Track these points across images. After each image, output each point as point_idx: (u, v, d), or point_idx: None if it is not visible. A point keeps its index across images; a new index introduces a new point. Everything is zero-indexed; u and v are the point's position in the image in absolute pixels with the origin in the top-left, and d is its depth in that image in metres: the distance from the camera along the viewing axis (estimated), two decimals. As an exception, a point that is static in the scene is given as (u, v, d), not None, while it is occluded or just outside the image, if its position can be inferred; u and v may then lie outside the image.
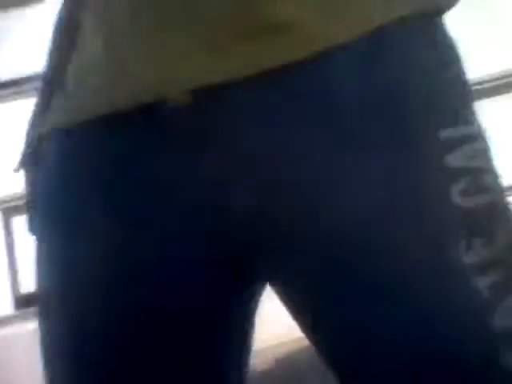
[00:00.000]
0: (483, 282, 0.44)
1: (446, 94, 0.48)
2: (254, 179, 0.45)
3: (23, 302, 6.43)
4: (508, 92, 6.43)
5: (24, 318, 5.36)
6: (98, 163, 0.50)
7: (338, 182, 0.45)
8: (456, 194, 0.45)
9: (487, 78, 6.79)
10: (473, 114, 0.49)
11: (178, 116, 0.46)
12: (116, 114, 0.47)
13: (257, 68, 0.45)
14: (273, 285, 0.51)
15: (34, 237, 0.56)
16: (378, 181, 0.45)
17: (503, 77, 6.75)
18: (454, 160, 0.45)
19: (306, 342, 0.51)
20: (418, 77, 0.46)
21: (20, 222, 7.62)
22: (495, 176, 0.49)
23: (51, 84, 0.55)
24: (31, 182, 0.57)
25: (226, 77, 0.45)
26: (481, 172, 0.47)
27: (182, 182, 0.47)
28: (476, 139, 0.48)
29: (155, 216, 0.48)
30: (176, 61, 0.46)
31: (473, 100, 0.50)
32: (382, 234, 0.44)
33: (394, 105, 0.45)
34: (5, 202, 7.92)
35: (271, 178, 0.45)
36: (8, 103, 6.14)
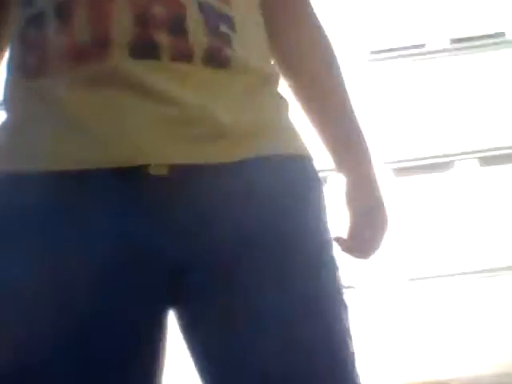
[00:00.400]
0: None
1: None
2: (184, 234, 0.59)
3: None
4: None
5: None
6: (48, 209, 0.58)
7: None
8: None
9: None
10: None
11: (149, 182, 0.57)
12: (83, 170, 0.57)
13: (199, 161, 0.60)
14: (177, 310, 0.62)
15: None
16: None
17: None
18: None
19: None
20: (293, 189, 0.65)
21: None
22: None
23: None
24: None
25: (186, 161, 0.59)
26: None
27: (127, 233, 0.57)
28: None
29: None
30: (154, 140, 0.58)
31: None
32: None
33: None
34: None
35: (194, 232, 0.59)
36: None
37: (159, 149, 0.58)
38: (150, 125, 0.58)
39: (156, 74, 0.59)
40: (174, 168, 0.58)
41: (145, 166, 0.57)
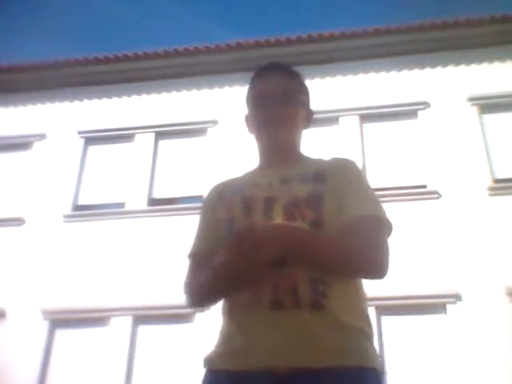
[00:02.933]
0: None
1: None
2: None
3: None
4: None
5: None
6: None
7: None
8: None
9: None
10: None
11: (279, 380, 1.18)
12: (246, 371, 1.22)
13: (322, 364, 1.20)
14: None
15: None
16: None
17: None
18: None
19: None
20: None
21: (63, 335, 7.90)
22: None
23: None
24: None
25: (305, 365, 1.19)
26: None
27: None
28: None
29: None
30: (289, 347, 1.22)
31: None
32: None
33: None
34: (51, 313, 8.06)
35: None
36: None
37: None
38: (283, 340, 1.22)
39: (282, 316, 1.24)
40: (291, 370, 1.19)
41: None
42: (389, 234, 1.38)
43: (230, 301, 1.35)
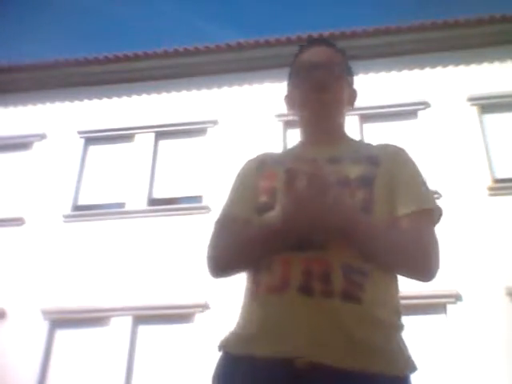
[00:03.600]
0: None
1: None
2: None
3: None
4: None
5: None
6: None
7: None
8: None
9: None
10: None
11: (297, 372, 1.09)
12: (270, 358, 1.13)
13: (354, 367, 1.10)
14: None
15: None
16: None
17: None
18: None
19: None
20: None
21: (63, 335, 7.96)
22: None
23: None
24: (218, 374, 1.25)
25: (332, 362, 1.10)
26: None
27: None
28: None
29: None
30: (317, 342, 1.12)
31: None
32: None
33: None
34: (51, 313, 8.11)
35: None
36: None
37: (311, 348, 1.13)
38: (308, 330, 1.13)
39: (310, 304, 1.14)
40: (312, 364, 1.09)
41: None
42: (439, 220, 1.44)
43: (254, 280, 1.26)
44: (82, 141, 9.76)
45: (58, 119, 10.04)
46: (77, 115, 10.00)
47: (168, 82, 9.90)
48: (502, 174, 8.13)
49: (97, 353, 7.77)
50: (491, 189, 7.96)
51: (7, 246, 8.85)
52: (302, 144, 1.50)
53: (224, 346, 1.25)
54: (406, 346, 1.21)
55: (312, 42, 1.56)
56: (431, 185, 8.15)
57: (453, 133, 8.52)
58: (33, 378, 7.73)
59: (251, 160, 1.51)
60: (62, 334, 8.12)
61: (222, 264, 1.32)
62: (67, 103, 10.17)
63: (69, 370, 7.82)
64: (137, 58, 10.00)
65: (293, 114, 1.54)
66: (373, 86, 9.12)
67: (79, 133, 9.79)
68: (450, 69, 9.11)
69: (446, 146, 8.42)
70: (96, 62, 10.07)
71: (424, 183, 1.40)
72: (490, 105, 8.63)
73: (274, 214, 1.24)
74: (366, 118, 8.94)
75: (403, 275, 1.28)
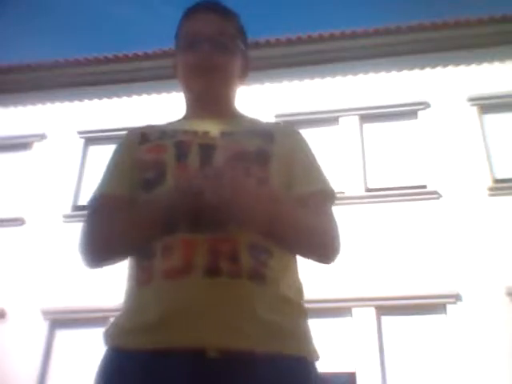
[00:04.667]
0: None
1: None
2: None
3: None
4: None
5: None
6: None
7: None
8: None
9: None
10: None
11: (209, 361, 0.98)
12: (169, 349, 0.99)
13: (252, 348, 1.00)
14: None
15: None
16: None
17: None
18: None
19: None
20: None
21: (63, 335, 7.92)
22: None
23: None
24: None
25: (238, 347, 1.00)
26: None
27: None
28: None
29: None
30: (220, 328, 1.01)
31: None
32: None
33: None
34: (51, 313, 8.09)
35: None
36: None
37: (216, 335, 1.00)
38: (217, 314, 1.01)
39: (218, 286, 1.03)
40: (225, 352, 0.99)
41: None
42: (333, 203, 1.28)
43: (142, 266, 1.11)
44: (82, 141, 9.76)
45: (57, 119, 10.04)
46: (77, 115, 9.99)
47: (168, 82, 9.89)
48: (502, 174, 8.13)
49: (97, 353, 7.75)
50: (491, 189, 7.96)
51: (7, 246, 8.84)
52: (188, 117, 1.38)
53: (111, 340, 1.11)
54: (311, 332, 1.14)
55: (197, 8, 1.37)
56: (431, 185, 8.16)
57: (453, 133, 8.52)
58: (33, 378, 7.73)
59: (130, 132, 1.37)
60: (61, 334, 8.12)
61: (101, 251, 1.16)
62: (67, 103, 10.16)
63: (69, 369, 7.82)
64: (137, 57, 10.00)
65: (179, 84, 1.41)
66: (373, 85, 9.11)
67: (79, 133, 9.79)
68: (450, 69, 9.11)
69: (446, 146, 8.42)
70: (96, 62, 10.07)
71: (319, 166, 1.31)
72: (489, 105, 8.63)
73: (164, 190, 1.11)
74: (365, 117, 8.93)
75: (305, 257, 1.19)
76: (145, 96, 9.96)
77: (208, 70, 1.30)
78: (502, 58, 8.96)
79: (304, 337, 1.10)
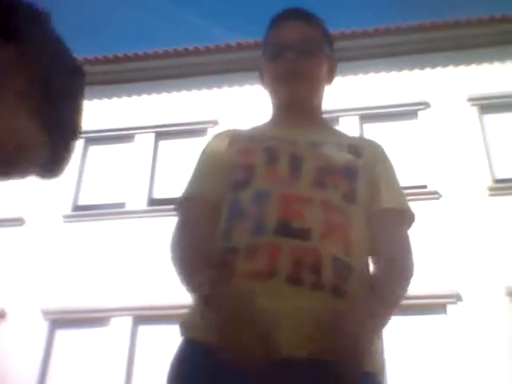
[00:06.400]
0: None
1: None
2: None
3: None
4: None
5: None
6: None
7: None
8: None
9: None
10: None
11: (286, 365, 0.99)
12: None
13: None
14: None
15: None
16: None
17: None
18: None
19: None
20: None
21: (63, 335, 7.93)
22: None
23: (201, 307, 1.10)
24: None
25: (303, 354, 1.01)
26: None
27: None
28: None
29: None
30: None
31: None
32: None
33: None
34: (51, 313, 8.09)
35: None
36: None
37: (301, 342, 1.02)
38: (302, 324, 1.04)
39: (300, 295, 1.05)
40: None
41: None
42: (410, 225, 1.37)
43: (223, 260, 1.13)
44: (82, 141, 9.75)
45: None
46: (77, 115, 9.98)
47: (168, 81, 9.90)
48: (502, 174, 8.12)
49: (97, 353, 7.76)
50: (491, 189, 7.95)
51: (7, 246, 8.84)
52: (275, 123, 1.39)
53: (193, 334, 1.11)
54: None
55: (283, 16, 1.37)
56: (431, 185, 8.16)
57: (453, 133, 8.51)
58: (33, 378, 7.73)
59: (220, 135, 1.39)
60: (61, 334, 8.12)
61: (185, 267, 1.19)
62: (67, 103, 10.16)
63: (69, 369, 7.82)
64: (137, 57, 10.00)
65: (265, 89, 1.42)
66: (373, 86, 9.11)
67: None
68: (450, 69, 9.11)
69: (446, 146, 8.42)
70: (96, 62, 10.07)
71: (400, 185, 1.37)
72: (489, 105, 8.62)
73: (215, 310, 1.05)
74: (366, 118, 8.93)
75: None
76: (145, 96, 9.95)
77: (294, 77, 1.30)
78: (502, 58, 8.96)
79: (376, 354, 1.12)
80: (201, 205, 1.26)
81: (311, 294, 1.06)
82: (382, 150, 1.37)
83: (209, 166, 1.32)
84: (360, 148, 1.30)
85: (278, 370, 0.96)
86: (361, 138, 1.45)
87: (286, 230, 1.11)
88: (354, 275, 1.12)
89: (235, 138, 1.34)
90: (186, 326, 1.15)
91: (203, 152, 1.37)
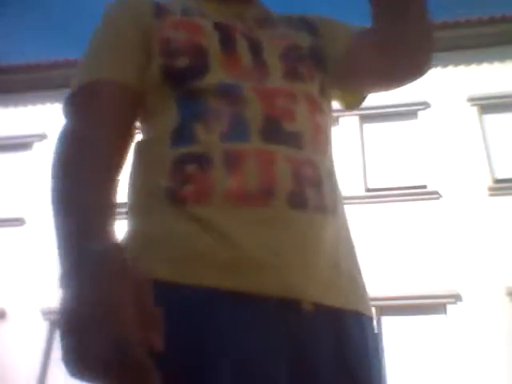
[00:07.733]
0: None
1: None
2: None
3: None
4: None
5: None
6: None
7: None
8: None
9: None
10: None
11: (303, 316, 0.74)
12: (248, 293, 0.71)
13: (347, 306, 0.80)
14: None
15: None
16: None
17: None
18: None
19: None
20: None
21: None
22: None
23: None
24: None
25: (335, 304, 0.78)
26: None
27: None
28: None
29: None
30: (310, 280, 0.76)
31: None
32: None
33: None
34: (51, 313, 8.07)
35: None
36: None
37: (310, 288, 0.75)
38: (306, 265, 0.75)
39: (304, 224, 0.76)
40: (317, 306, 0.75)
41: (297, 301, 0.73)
42: None
43: (183, 173, 0.77)
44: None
45: (57, 119, 10.03)
46: (77, 115, 9.98)
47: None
48: (502, 175, 8.13)
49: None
50: (491, 189, 7.96)
51: (7, 246, 8.84)
52: None
53: (153, 272, 0.70)
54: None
55: None
56: (431, 185, 8.16)
57: (453, 133, 8.52)
58: (33, 378, 7.73)
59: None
60: (62, 334, 8.11)
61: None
62: (67, 103, 10.16)
63: (69, 370, 7.81)
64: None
65: None
66: (373, 86, 9.11)
67: (79, 133, 9.78)
68: (450, 69, 9.11)
69: (445, 147, 8.42)
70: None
71: None
72: (489, 105, 8.63)
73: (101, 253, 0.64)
74: (365, 118, 8.94)
75: (395, 62, 0.93)
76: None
77: None
78: (502, 58, 8.96)
79: (367, 295, 0.88)
80: (116, 91, 0.84)
81: (316, 218, 0.77)
82: (329, 17, 1.08)
83: (121, 40, 0.88)
84: (314, 24, 1.02)
85: (301, 322, 0.74)
86: (304, 15, 1.06)
87: (277, 133, 0.79)
88: (340, 197, 0.88)
89: (164, 7, 0.92)
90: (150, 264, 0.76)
91: (108, 17, 0.94)
